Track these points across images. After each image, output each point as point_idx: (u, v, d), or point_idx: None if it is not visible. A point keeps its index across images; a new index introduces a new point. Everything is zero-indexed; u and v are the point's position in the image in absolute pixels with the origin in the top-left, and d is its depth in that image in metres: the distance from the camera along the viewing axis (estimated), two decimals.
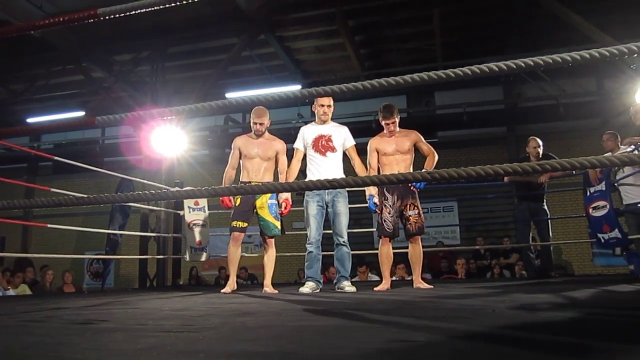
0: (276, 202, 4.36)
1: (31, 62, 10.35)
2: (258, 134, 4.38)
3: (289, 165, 4.45)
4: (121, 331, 1.73)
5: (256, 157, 4.34)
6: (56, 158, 5.48)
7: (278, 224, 4.35)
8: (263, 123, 4.35)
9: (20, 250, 13.24)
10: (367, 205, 4.37)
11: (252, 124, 4.39)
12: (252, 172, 4.33)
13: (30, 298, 5.18)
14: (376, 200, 4.33)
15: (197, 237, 6.32)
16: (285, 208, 4.35)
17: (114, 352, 1.31)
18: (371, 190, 4.33)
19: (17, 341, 1.57)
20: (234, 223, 4.30)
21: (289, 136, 6.98)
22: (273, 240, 4.39)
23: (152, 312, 2.53)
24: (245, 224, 4.32)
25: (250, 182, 4.30)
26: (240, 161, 4.42)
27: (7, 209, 1.77)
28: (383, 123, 4.34)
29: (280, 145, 4.45)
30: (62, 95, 11.98)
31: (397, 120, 4.32)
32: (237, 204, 4.32)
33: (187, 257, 6.34)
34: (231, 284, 4.33)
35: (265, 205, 4.31)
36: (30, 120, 12.20)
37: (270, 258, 4.37)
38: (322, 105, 4.40)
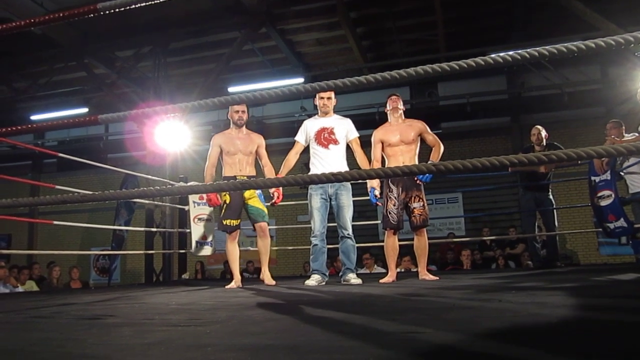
0: (261, 192, 4.43)
1: (33, 59, 10.37)
2: (240, 124, 4.41)
3: (285, 157, 4.46)
4: (128, 326, 1.74)
5: (238, 153, 4.37)
6: (60, 155, 5.50)
7: (266, 210, 4.44)
8: (245, 112, 4.42)
9: (26, 247, 13.32)
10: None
11: (233, 114, 4.41)
12: (235, 167, 4.36)
13: (37, 294, 5.21)
14: (377, 192, 4.33)
15: (203, 232, 6.33)
16: (278, 198, 4.37)
17: (121, 347, 1.32)
18: (372, 183, 4.33)
19: (25, 337, 1.58)
20: (226, 222, 4.32)
21: (291, 129, 6.98)
22: (266, 226, 4.42)
23: (159, 307, 2.54)
24: (238, 221, 4.36)
25: (235, 177, 4.32)
26: (220, 158, 4.43)
27: (14, 207, 1.77)
28: (388, 101, 4.36)
29: (260, 139, 4.49)
30: (65, 92, 11.99)
31: (401, 105, 4.34)
32: (227, 202, 4.34)
33: (193, 251, 6.36)
34: (236, 281, 4.34)
35: (255, 195, 4.38)
36: (34, 117, 12.22)
37: (265, 246, 4.40)
38: (322, 98, 4.42)
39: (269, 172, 4.46)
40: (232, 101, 1.70)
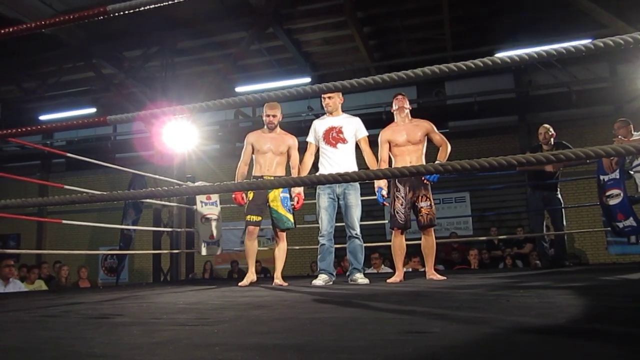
0: (288, 195, 4.40)
1: (42, 60, 10.44)
2: (271, 127, 4.41)
3: (301, 160, 4.46)
4: (136, 325, 1.75)
5: (268, 152, 4.37)
6: (69, 155, 5.53)
7: (291, 217, 4.38)
8: (276, 115, 4.41)
9: (35, 246, 13.41)
10: None
11: (264, 117, 4.43)
12: (264, 166, 4.37)
13: (46, 293, 5.24)
14: (384, 192, 4.32)
15: (210, 231, 6.35)
16: (298, 202, 4.38)
17: (129, 346, 1.32)
18: (380, 182, 4.32)
19: (34, 336, 1.59)
20: (248, 217, 4.33)
21: (299, 129, 6.97)
22: (285, 233, 4.42)
23: (166, 306, 2.55)
24: (260, 218, 4.36)
25: (262, 176, 4.33)
26: (253, 156, 4.44)
27: (23, 207, 1.79)
28: (393, 101, 4.36)
29: (292, 140, 4.48)
30: (73, 93, 12.07)
31: (407, 105, 4.34)
32: (250, 198, 4.35)
33: (201, 251, 6.38)
34: (250, 277, 4.36)
35: (278, 198, 4.35)
36: (42, 117, 12.31)
37: (281, 251, 4.40)
38: (324, 98, 4.43)
39: (295, 174, 4.44)
40: (239, 102, 1.71)
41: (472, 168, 1.30)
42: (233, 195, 4.38)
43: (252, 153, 4.44)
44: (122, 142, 13.04)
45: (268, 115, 4.39)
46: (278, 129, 4.47)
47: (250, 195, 4.35)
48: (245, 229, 4.37)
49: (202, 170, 10.97)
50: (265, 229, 4.60)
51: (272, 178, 4.24)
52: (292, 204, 4.40)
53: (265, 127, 4.45)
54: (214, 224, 6.40)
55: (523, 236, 8.24)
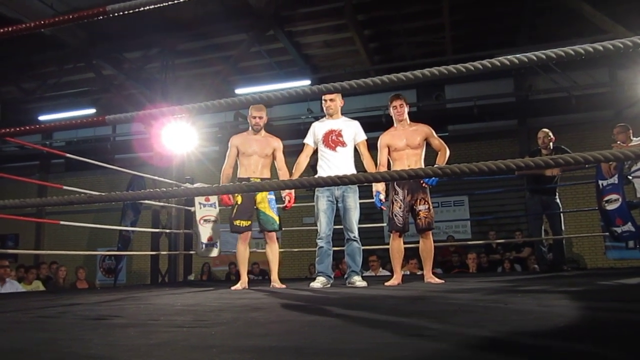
0: (274, 197, 4.40)
1: (42, 60, 10.45)
2: (256, 129, 4.42)
3: (296, 160, 4.46)
4: (134, 327, 1.75)
5: (254, 155, 4.38)
6: (68, 155, 5.52)
7: (277, 218, 4.40)
8: (262, 117, 4.43)
9: (33, 247, 13.39)
10: None
11: (250, 118, 4.45)
12: (249, 169, 4.37)
13: (44, 294, 5.23)
14: (382, 196, 4.32)
15: (208, 233, 6.34)
16: (289, 202, 4.37)
17: (127, 348, 1.32)
18: (378, 187, 4.33)
19: (32, 337, 1.59)
20: (237, 222, 4.32)
21: (298, 132, 6.98)
22: (274, 234, 4.43)
23: (164, 308, 2.55)
24: (249, 222, 4.35)
25: (249, 178, 4.33)
26: (238, 159, 4.44)
27: (21, 207, 1.78)
28: (390, 107, 4.35)
29: (277, 142, 4.49)
30: (73, 93, 12.07)
31: (406, 108, 4.33)
32: (239, 203, 4.34)
33: (199, 252, 6.37)
34: (242, 282, 4.35)
35: (266, 200, 4.36)
36: (42, 118, 12.29)
37: (273, 253, 4.41)
38: (325, 100, 4.43)
39: (284, 176, 4.44)
40: (238, 103, 1.70)
41: (471, 172, 1.30)
42: (220, 197, 4.39)
43: (237, 155, 4.44)
44: (122, 143, 13.03)
45: (254, 117, 4.41)
46: (263, 132, 4.48)
47: (239, 199, 4.34)
48: (237, 234, 4.37)
49: (201, 172, 10.94)
50: None
51: (259, 180, 4.25)
52: (281, 206, 4.41)
53: (251, 128, 4.46)
54: (212, 225, 6.39)
55: (521, 240, 8.24)
